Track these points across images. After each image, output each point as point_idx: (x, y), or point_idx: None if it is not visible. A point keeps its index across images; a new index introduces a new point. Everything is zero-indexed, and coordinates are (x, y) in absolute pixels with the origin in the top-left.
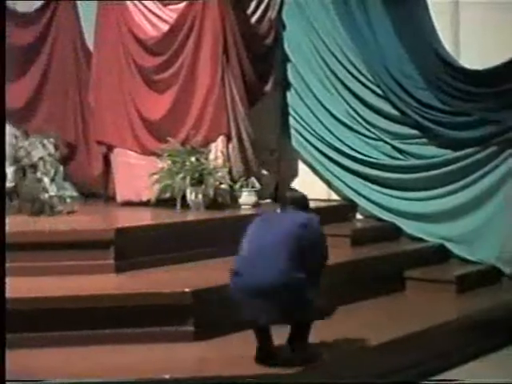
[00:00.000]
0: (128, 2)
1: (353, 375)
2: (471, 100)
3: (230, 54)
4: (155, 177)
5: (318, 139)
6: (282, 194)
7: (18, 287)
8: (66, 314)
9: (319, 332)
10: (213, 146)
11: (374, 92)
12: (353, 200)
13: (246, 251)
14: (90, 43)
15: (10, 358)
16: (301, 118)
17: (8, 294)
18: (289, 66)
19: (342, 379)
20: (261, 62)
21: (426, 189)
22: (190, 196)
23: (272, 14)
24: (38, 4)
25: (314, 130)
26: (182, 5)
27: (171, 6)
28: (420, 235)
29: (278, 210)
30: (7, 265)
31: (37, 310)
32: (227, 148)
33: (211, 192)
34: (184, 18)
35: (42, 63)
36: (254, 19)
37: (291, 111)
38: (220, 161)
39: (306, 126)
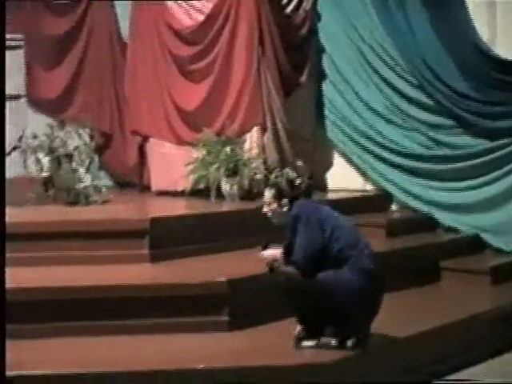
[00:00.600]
0: None
1: (385, 367)
2: (507, 90)
3: (265, 44)
4: (190, 167)
5: (353, 129)
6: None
7: (52, 277)
8: (101, 303)
9: None
10: (248, 136)
11: (409, 82)
12: (388, 190)
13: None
14: (125, 33)
15: (40, 348)
16: (336, 108)
17: (41, 283)
18: (324, 57)
19: (373, 370)
20: (296, 52)
21: (461, 179)
22: (225, 186)
23: (307, 4)
24: None
25: (349, 121)
26: None
27: None
28: (455, 226)
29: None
30: (43, 254)
31: (71, 299)
32: (262, 138)
33: (246, 182)
34: (219, 7)
35: (77, 52)
36: (288, 9)
37: (326, 102)
38: (255, 151)
39: (340, 117)
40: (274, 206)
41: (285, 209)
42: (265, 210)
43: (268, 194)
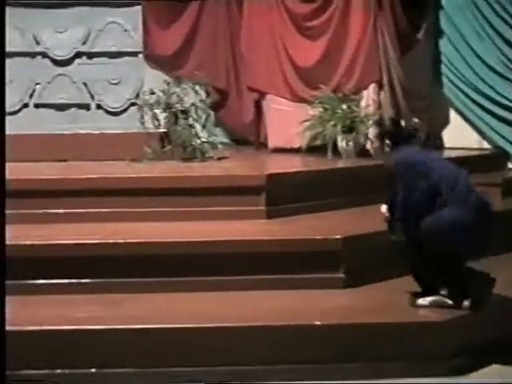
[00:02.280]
0: None
1: (498, 329)
2: None
3: (382, 1)
4: (306, 124)
5: (470, 87)
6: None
7: (168, 232)
8: (217, 258)
9: None
10: (364, 93)
11: None
12: (504, 149)
13: None
14: None
15: (158, 302)
16: (453, 65)
17: (158, 237)
18: (441, 14)
19: (486, 331)
20: (413, 9)
21: None
22: (341, 143)
23: None
24: None
25: (466, 78)
26: None
27: None
28: None
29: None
30: (160, 209)
31: (187, 254)
32: (378, 95)
33: (362, 139)
34: None
35: (194, 9)
36: None
37: (443, 59)
38: (371, 108)
39: (458, 74)
40: (377, 144)
41: (387, 149)
42: (368, 147)
43: (372, 131)
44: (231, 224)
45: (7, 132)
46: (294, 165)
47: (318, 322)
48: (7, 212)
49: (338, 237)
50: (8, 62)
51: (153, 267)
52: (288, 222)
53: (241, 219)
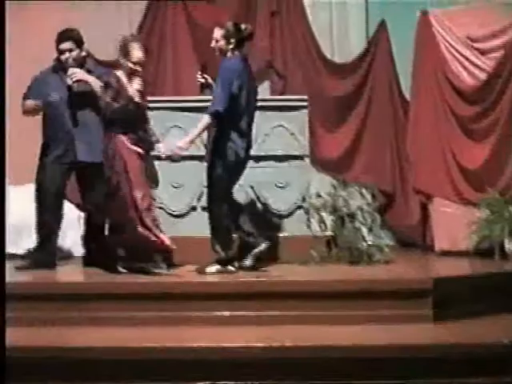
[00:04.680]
0: (444, 50)
1: None
2: None
3: None
4: (473, 226)
5: None
6: None
7: (332, 335)
8: (383, 362)
9: None
10: None
11: None
12: None
13: None
14: (406, 92)
15: None
16: None
17: (328, 341)
18: None
19: None
20: None
21: None
22: (509, 246)
23: None
24: (355, 54)
25: None
26: (500, 53)
27: (489, 55)
28: None
29: None
30: (325, 313)
31: (352, 358)
32: None
33: None
34: (502, 66)
35: (360, 113)
36: None
37: None
38: None
39: None
40: (222, 43)
41: (230, 47)
42: (212, 45)
43: (218, 32)
44: (397, 328)
45: (176, 234)
46: (461, 268)
47: None
48: (156, 314)
49: (506, 341)
50: (179, 165)
51: (315, 370)
52: (455, 326)
53: (407, 323)
